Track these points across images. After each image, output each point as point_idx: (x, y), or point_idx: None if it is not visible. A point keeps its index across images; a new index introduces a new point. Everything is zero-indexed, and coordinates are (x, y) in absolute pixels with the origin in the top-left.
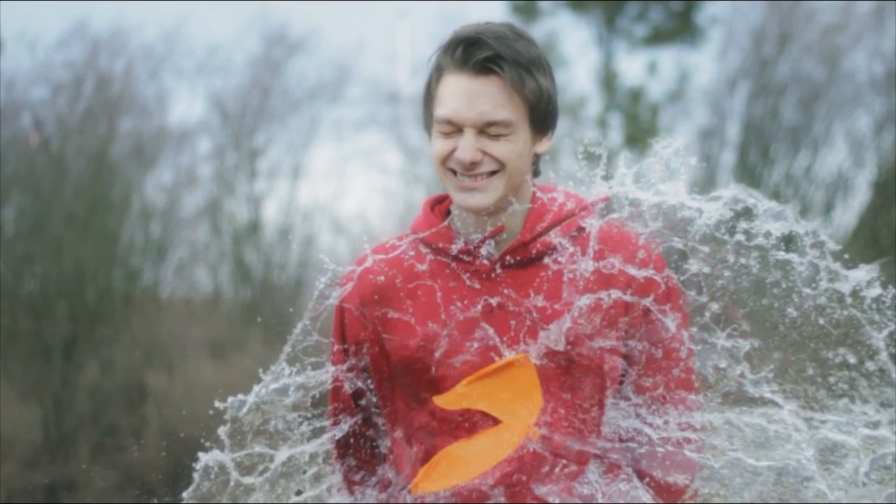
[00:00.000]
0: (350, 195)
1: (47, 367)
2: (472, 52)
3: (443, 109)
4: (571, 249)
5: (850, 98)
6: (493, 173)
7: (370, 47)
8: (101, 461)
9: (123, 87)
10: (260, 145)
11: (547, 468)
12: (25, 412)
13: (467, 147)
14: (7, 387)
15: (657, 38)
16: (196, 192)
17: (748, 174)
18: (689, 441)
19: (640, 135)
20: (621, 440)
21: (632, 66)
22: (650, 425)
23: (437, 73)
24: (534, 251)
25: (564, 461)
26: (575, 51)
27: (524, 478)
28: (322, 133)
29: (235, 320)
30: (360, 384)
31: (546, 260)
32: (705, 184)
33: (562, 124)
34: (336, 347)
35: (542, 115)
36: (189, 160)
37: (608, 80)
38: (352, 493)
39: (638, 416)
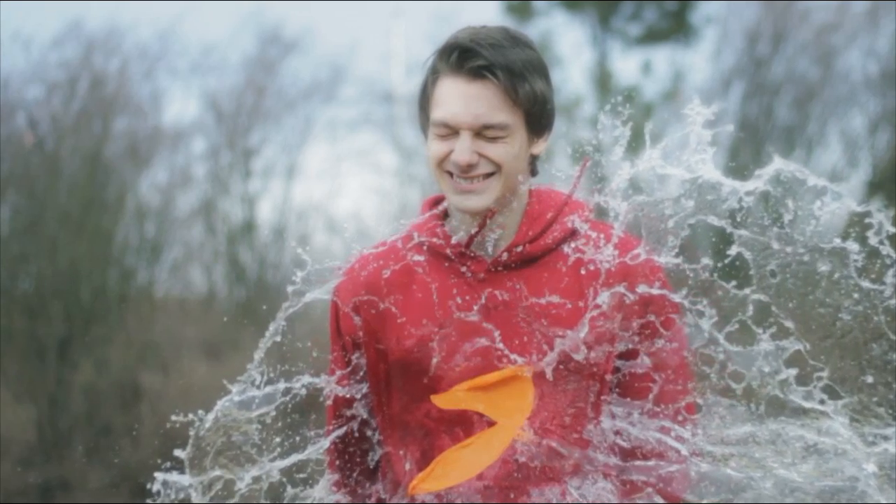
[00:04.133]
0: (345, 195)
1: (42, 367)
2: (467, 59)
3: (439, 112)
4: (594, 235)
5: (845, 98)
6: (489, 175)
7: (364, 47)
8: (96, 460)
9: (118, 87)
10: (254, 145)
11: (543, 474)
12: (20, 412)
13: (464, 149)
14: (2, 386)
15: (651, 37)
16: (190, 191)
17: (742, 173)
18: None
19: (634, 134)
20: (644, 456)
21: (626, 66)
22: (678, 439)
23: (432, 77)
24: (550, 239)
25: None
26: (569, 51)
27: (519, 476)
28: (316, 133)
29: (230, 320)
30: (342, 392)
31: (566, 249)
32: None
33: (557, 124)
34: (335, 354)
35: (537, 118)
36: (183, 160)
37: (603, 80)
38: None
39: (662, 428)
